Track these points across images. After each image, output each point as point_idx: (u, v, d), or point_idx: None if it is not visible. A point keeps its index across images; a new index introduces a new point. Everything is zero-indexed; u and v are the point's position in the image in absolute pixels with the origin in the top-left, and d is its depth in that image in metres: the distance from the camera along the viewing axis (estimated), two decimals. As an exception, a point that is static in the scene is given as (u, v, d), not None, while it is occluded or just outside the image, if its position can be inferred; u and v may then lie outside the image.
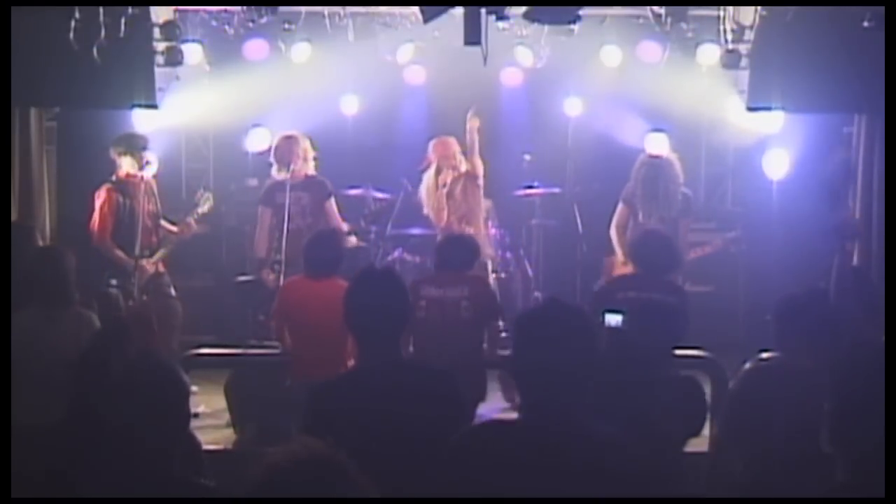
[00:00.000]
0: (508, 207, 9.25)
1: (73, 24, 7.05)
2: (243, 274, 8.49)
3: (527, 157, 9.32)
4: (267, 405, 6.35)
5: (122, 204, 7.54)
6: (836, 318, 4.16)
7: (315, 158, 7.97)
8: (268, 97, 9.08)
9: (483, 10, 6.28)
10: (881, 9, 6.74)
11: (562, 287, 9.23)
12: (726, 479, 3.98)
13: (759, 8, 7.90)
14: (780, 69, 7.82)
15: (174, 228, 7.79)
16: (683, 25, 8.32)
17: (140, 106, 8.01)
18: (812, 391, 3.06)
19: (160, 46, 8.02)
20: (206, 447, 4.94)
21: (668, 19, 8.21)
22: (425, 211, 8.42)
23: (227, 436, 6.75)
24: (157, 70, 7.99)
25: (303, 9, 8.69)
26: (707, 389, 6.68)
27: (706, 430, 4.49)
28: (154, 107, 8.03)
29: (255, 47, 9.02)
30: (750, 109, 8.25)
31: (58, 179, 8.57)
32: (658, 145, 8.42)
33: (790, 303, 4.27)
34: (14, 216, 7.40)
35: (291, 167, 7.73)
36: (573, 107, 9.68)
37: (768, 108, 8.21)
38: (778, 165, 9.07)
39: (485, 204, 8.45)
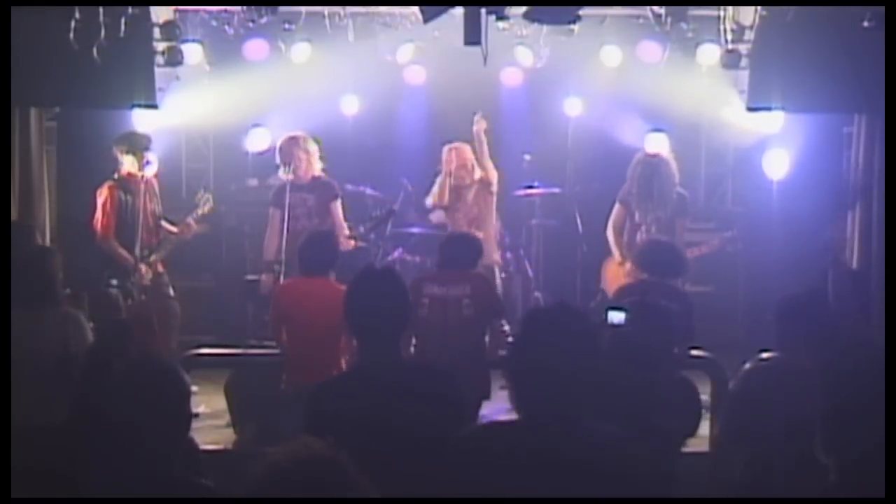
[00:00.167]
0: (508, 207, 9.25)
1: (73, 24, 7.05)
2: (251, 273, 8.51)
3: (527, 157, 9.32)
4: (267, 405, 6.34)
5: (124, 202, 7.54)
6: (836, 319, 4.16)
7: (322, 159, 7.97)
8: (268, 97, 9.09)
9: (483, 10, 6.28)
10: (881, 9, 6.74)
11: (562, 287, 9.24)
12: (726, 479, 3.98)
13: (759, 8, 7.90)
14: (780, 69, 7.82)
15: (174, 229, 7.79)
16: (683, 25, 8.33)
17: (140, 106, 8.01)
18: (812, 391, 3.06)
19: (160, 46, 8.03)
20: (206, 447, 4.95)
21: (668, 19, 8.22)
22: (433, 216, 8.48)
23: (227, 436, 6.75)
24: (157, 70, 8.00)
25: (303, 9, 8.69)
26: (707, 389, 6.72)
27: (704, 431, 4.49)
28: (154, 107, 8.03)
29: (255, 47, 9.03)
30: (750, 109, 8.25)
31: (58, 179, 8.58)
32: (658, 145, 8.43)
33: (790, 303, 4.27)
34: (14, 216, 7.40)
35: (292, 168, 7.73)
36: (573, 107, 9.68)
37: (768, 108, 8.22)
38: (778, 165, 9.07)
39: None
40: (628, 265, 7.62)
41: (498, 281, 8.22)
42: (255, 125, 9.26)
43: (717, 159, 10.21)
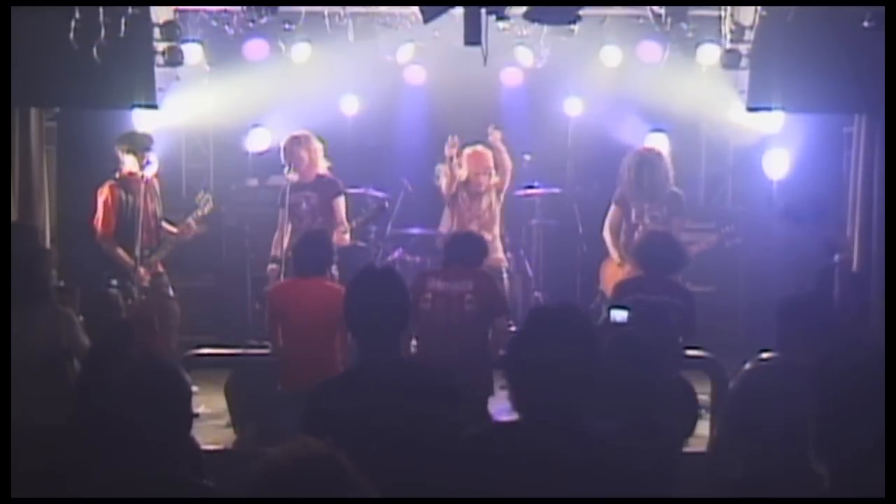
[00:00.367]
0: (508, 207, 9.24)
1: (73, 24, 7.04)
2: (256, 272, 8.52)
3: (527, 157, 9.32)
4: (267, 405, 6.34)
5: (124, 201, 7.54)
6: (837, 319, 4.16)
7: (326, 158, 7.97)
8: (268, 97, 9.09)
9: (483, 10, 6.28)
10: (881, 9, 6.74)
11: (562, 287, 9.24)
12: (726, 478, 3.98)
13: (759, 8, 7.90)
14: (780, 69, 7.81)
15: (174, 229, 7.79)
16: (683, 25, 8.33)
17: (140, 106, 8.00)
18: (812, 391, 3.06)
19: (160, 46, 8.02)
20: (206, 447, 4.95)
21: (668, 19, 8.22)
22: (442, 227, 8.52)
23: (227, 436, 6.75)
24: (157, 70, 7.99)
25: (303, 9, 8.69)
26: (707, 389, 6.72)
27: (703, 431, 4.49)
28: (154, 107, 8.02)
29: (255, 47, 9.02)
30: (750, 109, 8.24)
31: (58, 179, 8.57)
32: (658, 145, 8.42)
33: (791, 303, 4.28)
34: (14, 216, 7.40)
35: (294, 167, 7.74)
36: (573, 107, 9.68)
37: (768, 109, 8.21)
38: (778, 165, 9.08)
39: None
40: (627, 266, 7.61)
41: (505, 283, 8.27)
42: (255, 125, 9.27)
43: (717, 159, 10.21)
